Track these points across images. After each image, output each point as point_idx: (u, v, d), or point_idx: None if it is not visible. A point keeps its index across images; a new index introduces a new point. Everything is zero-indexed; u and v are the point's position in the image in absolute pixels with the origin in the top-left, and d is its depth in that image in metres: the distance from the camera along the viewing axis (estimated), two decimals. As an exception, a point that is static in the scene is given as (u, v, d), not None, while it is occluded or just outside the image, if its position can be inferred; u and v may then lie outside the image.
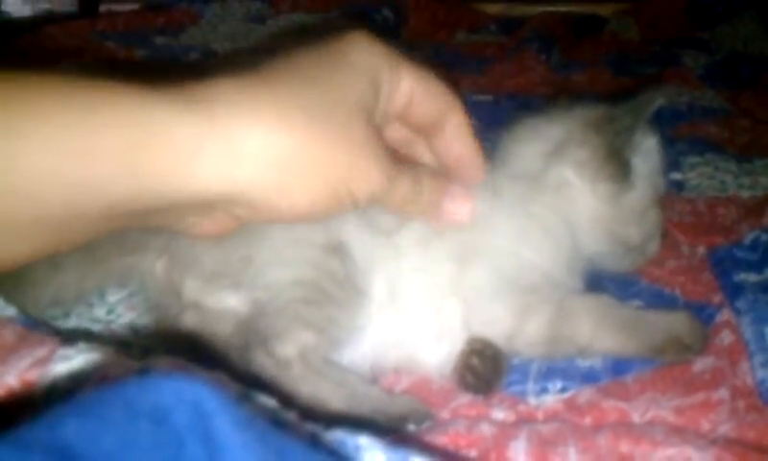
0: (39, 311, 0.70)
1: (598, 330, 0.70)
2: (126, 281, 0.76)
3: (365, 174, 0.59)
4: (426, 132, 0.69)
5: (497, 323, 0.71)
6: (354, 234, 0.73)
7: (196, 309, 0.70)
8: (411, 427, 0.63)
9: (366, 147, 0.59)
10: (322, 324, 0.67)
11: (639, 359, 0.70)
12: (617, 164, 0.77)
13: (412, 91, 0.65)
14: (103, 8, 2.50)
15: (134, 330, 0.74)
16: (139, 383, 0.30)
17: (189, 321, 0.70)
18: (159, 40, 1.94)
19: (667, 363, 0.69)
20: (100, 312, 0.78)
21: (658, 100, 0.77)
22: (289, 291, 0.69)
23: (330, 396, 0.64)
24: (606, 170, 0.77)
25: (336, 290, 0.69)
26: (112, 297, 0.79)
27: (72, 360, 0.52)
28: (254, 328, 0.67)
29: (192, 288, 0.70)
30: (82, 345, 0.55)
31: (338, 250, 0.72)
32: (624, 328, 0.71)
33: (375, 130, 0.61)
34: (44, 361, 0.54)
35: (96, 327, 0.76)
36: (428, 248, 0.75)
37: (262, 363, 0.65)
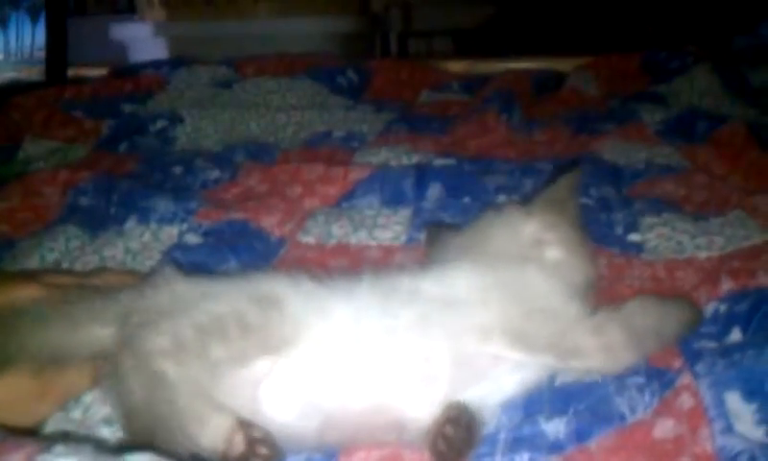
0: (21, 362, 0.71)
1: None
2: (99, 354, 0.77)
3: None
4: None
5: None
6: (290, 291, 0.77)
7: None
8: None
9: None
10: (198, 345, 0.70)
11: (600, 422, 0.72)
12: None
13: None
14: (71, 71, 2.52)
15: (110, 424, 0.74)
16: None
17: None
18: (127, 108, 1.96)
19: (628, 425, 0.72)
20: (76, 413, 0.77)
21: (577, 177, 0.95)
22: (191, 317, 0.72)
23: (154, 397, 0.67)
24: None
25: (235, 329, 0.72)
26: (87, 397, 0.79)
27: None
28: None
29: None
30: (59, 448, 0.55)
31: (264, 301, 0.75)
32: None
33: None
34: (22, 469, 0.54)
35: (72, 428, 0.75)
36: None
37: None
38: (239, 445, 0.67)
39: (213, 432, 0.67)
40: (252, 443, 0.67)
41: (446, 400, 0.73)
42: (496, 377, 0.76)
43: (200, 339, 0.71)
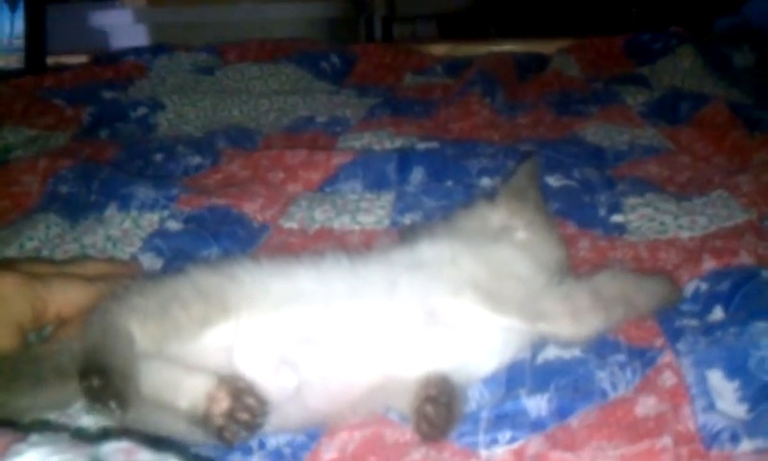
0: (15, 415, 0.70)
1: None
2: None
3: None
4: None
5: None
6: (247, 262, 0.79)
7: None
8: None
9: None
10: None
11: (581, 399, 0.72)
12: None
13: (63, 303, 0.84)
14: (51, 60, 2.49)
15: (89, 413, 0.74)
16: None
17: None
18: (107, 95, 1.94)
19: (610, 402, 0.72)
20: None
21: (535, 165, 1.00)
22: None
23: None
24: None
25: (193, 294, 0.74)
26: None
27: (24, 454, 0.52)
28: None
29: None
30: (34, 437, 0.54)
31: (218, 270, 0.77)
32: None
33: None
34: (-2, 458, 0.54)
35: (53, 416, 0.74)
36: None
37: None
38: (223, 400, 0.66)
39: (191, 392, 0.67)
40: (237, 395, 0.67)
41: (422, 358, 0.75)
42: (470, 338, 0.77)
43: (161, 306, 0.72)
